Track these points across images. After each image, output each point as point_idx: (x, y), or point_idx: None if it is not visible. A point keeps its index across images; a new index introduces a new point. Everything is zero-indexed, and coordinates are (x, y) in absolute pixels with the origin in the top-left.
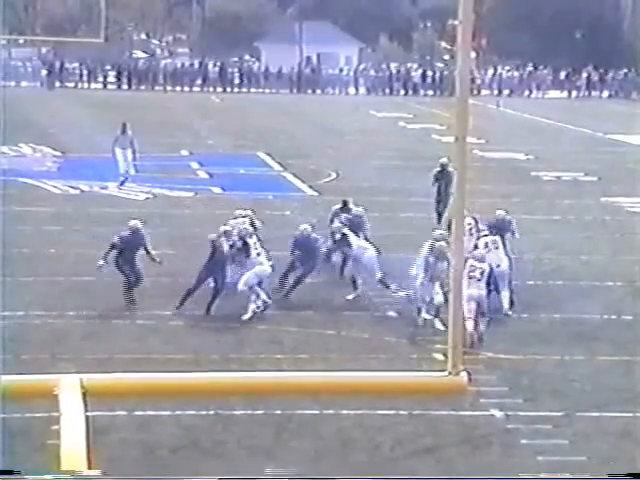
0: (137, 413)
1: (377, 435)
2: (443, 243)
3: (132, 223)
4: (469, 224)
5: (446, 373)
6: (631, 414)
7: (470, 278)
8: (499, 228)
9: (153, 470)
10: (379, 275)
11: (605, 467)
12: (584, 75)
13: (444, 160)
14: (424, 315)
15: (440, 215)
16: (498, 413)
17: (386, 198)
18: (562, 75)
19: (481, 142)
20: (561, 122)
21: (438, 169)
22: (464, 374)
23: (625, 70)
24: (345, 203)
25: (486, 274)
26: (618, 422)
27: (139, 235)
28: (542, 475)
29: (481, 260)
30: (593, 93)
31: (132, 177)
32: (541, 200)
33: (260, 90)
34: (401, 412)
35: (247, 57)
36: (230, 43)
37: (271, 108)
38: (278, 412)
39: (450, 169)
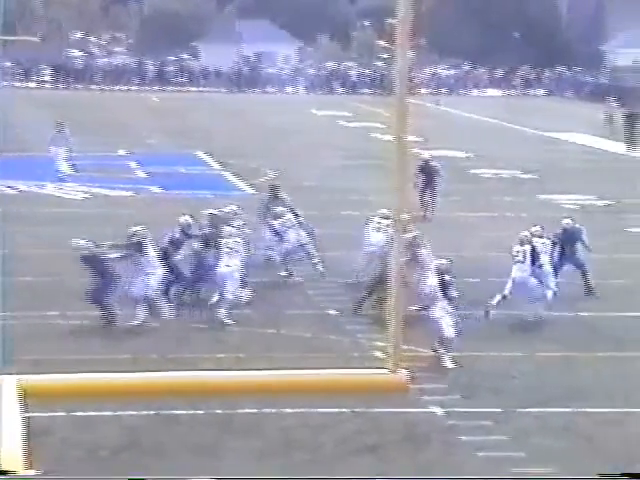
0: (77, 413)
1: (320, 433)
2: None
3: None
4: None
5: (387, 371)
6: (571, 409)
7: None
8: (566, 239)
9: (93, 470)
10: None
11: (543, 462)
12: (521, 74)
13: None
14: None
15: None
16: (439, 410)
17: (326, 196)
18: (500, 74)
19: (420, 140)
20: (499, 120)
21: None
22: (405, 372)
23: (561, 69)
24: (273, 189)
25: None
26: (558, 418)
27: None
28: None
29: None
30: (530, 91)
31: (70, 177)
32: (480, 198)
33: (199, 89)
34: (344, 410)
35: (185, 56)
36: (168, 42)
37: (210, 107)
38: (220, 412)
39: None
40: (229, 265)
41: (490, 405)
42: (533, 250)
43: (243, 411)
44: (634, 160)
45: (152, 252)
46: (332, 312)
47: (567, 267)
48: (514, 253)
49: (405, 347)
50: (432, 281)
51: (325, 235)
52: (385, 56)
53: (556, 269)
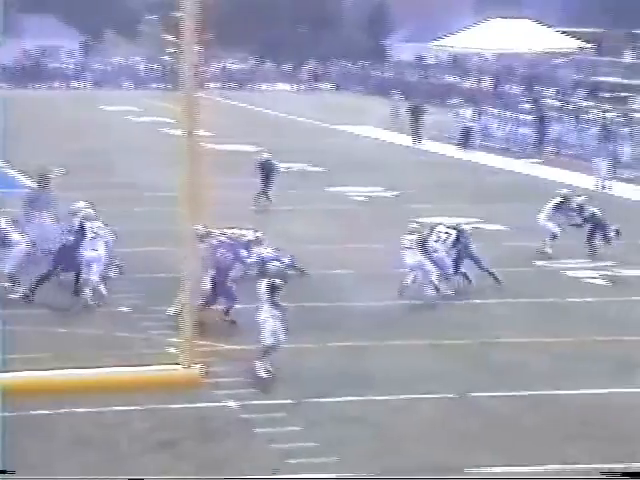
0: None
1: (113, 432)
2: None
3: None
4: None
5: (181, 366)
6: (361, 398)
7: None
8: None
9: None
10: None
11: (335, 451)
12: (308, 68)
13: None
14: None
15: None
16: (233, 403)
17: (117, 192)
18: (288, 68)
19: (210, 135)
20: (288, 114)
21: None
22: (199, 367)
23: (346, 63)
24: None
25: None
26: (349, 407)
27: None
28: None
29: None
30: (318, 85)
31: None
32: (271, 191)
33: None
34: (137, 407)
35: None
36: None
37: None
38: (7, 414)
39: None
40: (95, 249)
41: (284, 396)
42: (424, 240)
43: (34, 412)
44: (420, 152)
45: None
46: (125, 309)
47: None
48: (404, 242)
49: (201, 342)
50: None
51: (115, 232)
52: (173, 50)
53: (457, 261)
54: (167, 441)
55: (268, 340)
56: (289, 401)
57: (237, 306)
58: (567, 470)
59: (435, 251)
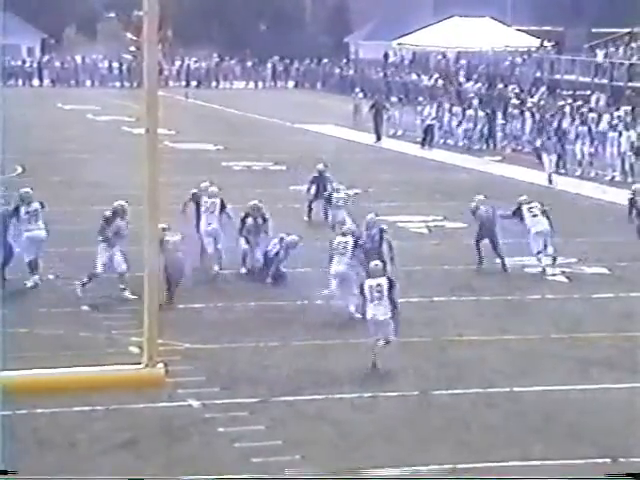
0: None
1: (73, 433)
2: None
3: None
4: None
5: (142, 366)
6: (324, 396)
7: None
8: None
9: None
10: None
11: (299, 449)
12: (269, 66)
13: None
14: None
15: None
16: (195, 403)
17: (78, 191)
18: (249, 66)
19: (171, 133)
20: (249, 112)
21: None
22: (161, 366)
23: (308, 61)
24: None
25: None
26: (312, 405)
27: None
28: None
29: None
30: (279, 83)
31: None
32: (233, 190)
33: None
34: (97, 408)
35: None
36: None
37: None
38: None
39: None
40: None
41: (247, 395)
42: (356, 242)
43: None
44: (381, 150)
45: None
46: (85, 308)
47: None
48: (335, 245)
49: (161, 341)
50: None
51: (77, 231)
52: (133, 49)
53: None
54: (128, 441)
55: None
56: (252, 399)
57: (198, 305)
58: (569, 469)
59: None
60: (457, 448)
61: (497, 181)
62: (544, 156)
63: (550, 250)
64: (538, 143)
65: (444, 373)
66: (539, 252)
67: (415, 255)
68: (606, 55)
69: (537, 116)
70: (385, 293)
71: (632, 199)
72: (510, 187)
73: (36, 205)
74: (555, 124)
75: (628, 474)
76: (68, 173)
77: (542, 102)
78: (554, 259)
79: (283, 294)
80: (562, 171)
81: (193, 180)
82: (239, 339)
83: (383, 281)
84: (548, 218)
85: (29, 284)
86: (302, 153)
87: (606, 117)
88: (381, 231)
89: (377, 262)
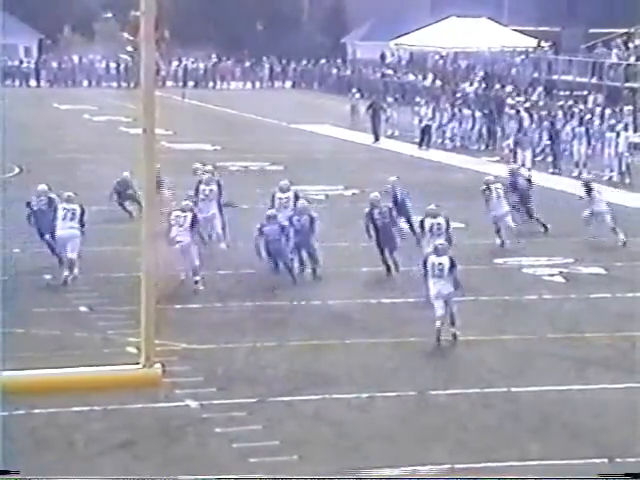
0: None
1: (71, 433)
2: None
3: None
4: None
5: (140, 366)
6: (320, 396)
7: None
8: None
9: None
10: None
11: (296, 449)
12: (267, 66)
13: None
14: None
15: None
16: (193, 403)
17: (78, 192)
18: (246, 66)
19: (169, 134)
20: (246, 113)
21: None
22: (158, 366)
23: (305, 61)
24: None
25: None
26: (309, 405)
27: None
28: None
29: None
30: (276, 84)
31: None
32: (230, 190)
33: None
34: (95, 408)
35: None
36: None
37: None
38: None
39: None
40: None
41: (244, 396)
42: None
43: None
44: (379, 150)
45: None
46: (83, 309)
47: None
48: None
49: (159, 342)
50: None
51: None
52: (130, 48)
53: None
54: (127, 442)
55: None
56: (249, 400)
57: (195, 305)
58: (566, 469)
59: None
60: (455, 448)
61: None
62: (519, 152)
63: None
64: (510, 140)
65: (441, 374)
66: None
67: (412, 255)
68: (603, 55)
69: (535, 116)
70: (446, 272)
71: None
72: None
73: (74, 206)
74: (550, 124)
75: (627, 474)
76: (64, 173)
77: (540, 102)
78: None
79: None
80: (556, 171)
81: (189, 180)
82: (235, 339)
83: (445, 260)
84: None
85: (69, 277)
86: (299, 153)
87: (604, 117)
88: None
89: (443, 242)
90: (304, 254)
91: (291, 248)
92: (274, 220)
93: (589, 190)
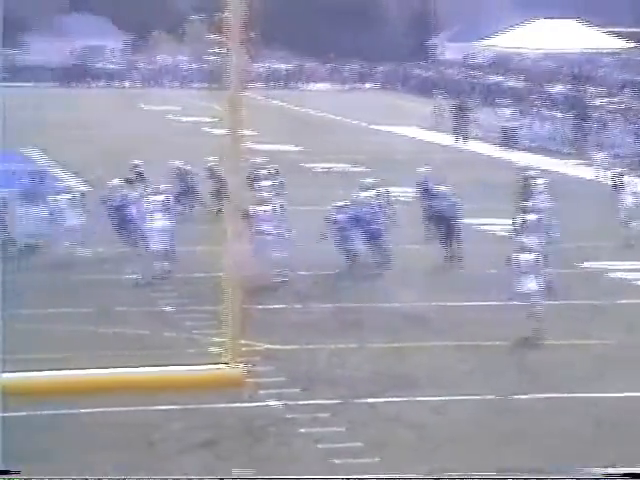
0: None
1: (155, 432)
2: None
3: None
4: None
5: (224, 365)
6: (402, 399)
7: None
8: None
9: None
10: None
11: (379, 451)
12: (352, 67)
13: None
14: None
15: None
16: (276, 403)
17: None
18: (331, 68)
19: (253, 134)
20: (330, 114)
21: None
22: (241, 366)
23: (391, 62)
24: None
25: None
26: (391, 407)
27: None
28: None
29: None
30: (361, 85)
31: None
32: (313, 191)
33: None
34: (180, 407)
35: (12, 50)
36: None
37: (29, 103)
38: (47, 412)
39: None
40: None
41: (327, 397)
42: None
43: (76, 411)
44: (462, 152)
45: None
46: (168, 309)
47: None
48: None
49: (242, 342)
50: None
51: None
52: (217, 50)
53: None
54: (210, 441)
55: None
56: (332, 401)
57: (277, 306)
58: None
59: None
60: (535, 452)
61: (579, 186)
62: (604, 154)
63: None
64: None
65: (521, 377)
66: None
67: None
68: None
69: (623, 119)
70: (536, 268)
71: None
72: (592, 191)
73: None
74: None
75: (626, 474)
76: (146, 175)
77: (630, 105)
78: None
79: (358, 297)
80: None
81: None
82: (317, 340)
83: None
84: None
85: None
86: (382, 155)
87: None
88: None
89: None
90: (374, 249)
91: (360, 240)
92: (346, 209)
93: None
